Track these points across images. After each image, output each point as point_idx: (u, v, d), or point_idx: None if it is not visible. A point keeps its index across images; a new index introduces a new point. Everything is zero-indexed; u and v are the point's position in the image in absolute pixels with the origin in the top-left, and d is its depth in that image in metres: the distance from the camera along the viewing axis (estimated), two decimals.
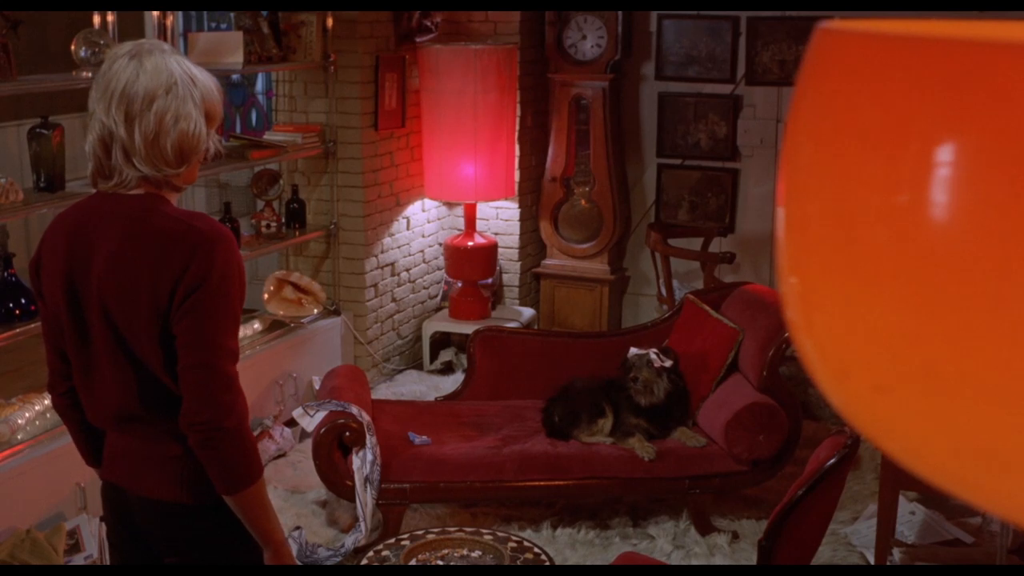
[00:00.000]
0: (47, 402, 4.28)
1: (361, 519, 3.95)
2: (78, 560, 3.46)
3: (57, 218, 2.25)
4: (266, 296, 5.52)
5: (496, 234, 6.24)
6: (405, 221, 5.95)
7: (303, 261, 5.72)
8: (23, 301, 4.02)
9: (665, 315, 4.96)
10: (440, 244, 6.24)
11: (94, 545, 3.51)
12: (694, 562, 3.98)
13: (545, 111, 6.37)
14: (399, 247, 5.91)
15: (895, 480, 3.67)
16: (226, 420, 2.05)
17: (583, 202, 6.30)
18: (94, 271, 2.09)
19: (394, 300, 5.92)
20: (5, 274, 4.01)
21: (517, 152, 6.11)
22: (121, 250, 2.07)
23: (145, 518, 2.22)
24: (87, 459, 2.44)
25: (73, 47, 4.34)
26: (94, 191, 2.16)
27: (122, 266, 2.07)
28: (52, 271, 2.16)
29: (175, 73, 2.07)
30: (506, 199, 6.11)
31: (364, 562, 3.50)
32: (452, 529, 3.67)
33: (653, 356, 4.21)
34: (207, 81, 2.14)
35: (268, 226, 5.40)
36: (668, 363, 4.22)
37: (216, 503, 2.14)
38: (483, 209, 6.20)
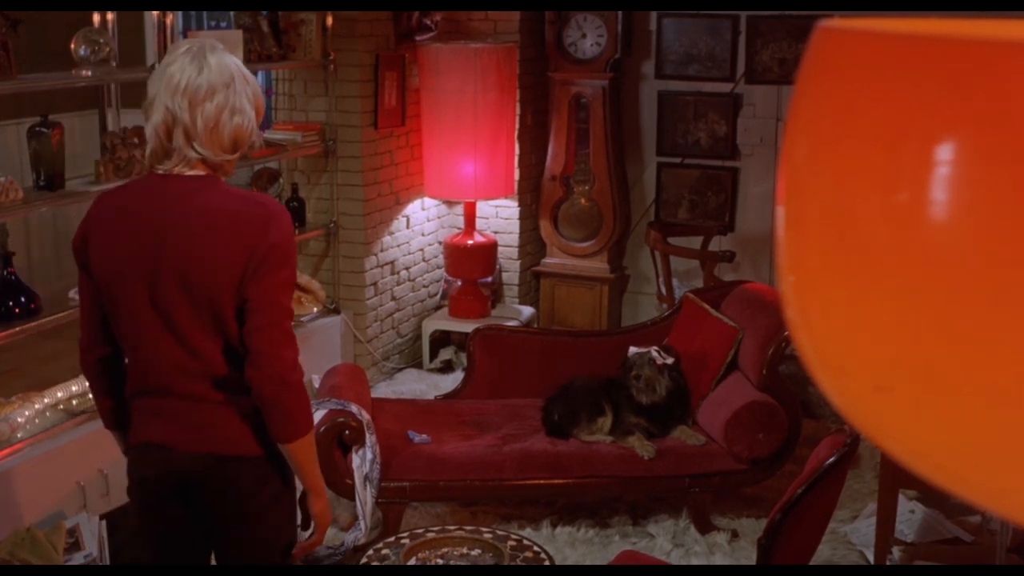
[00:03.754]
0: (47, 400, 4.28)
1: (361, 517, 3.95)
2: (78, 559, 3.46)
3: (104, 197, 2.46)
4: None
5: (496, 233, 6.24)
6: (405, 220, 5.94)
7: (303, 260, 5.72)
8: (23, 300, 4.02)
9: (665, 314, 4.96)
10: (440, 243, 6.24)
11: (94, 544, 3.51)
12: (694, 561, 3.98)
13: (545, 110, 6.37)
14: (399, 246, 5.91)
15: (895, 479, 3.67)
16: (290, 375, 2.30)
17: (583, 201, 6.30)
18: (173, 244, 2.29)
19: (394, 299, 5.92)
20: (5, 273, 4.00)
21: (517, 151, 6.11)
22: (194, 225, 2.29)
23: (198, 473, 2.39)
24: (109, 421, 2.61)
25: (73, 46, 4.34)
26: (148, 172, 2.38)
27: (198, 238, 2.28)
28: (102, 244, 2.36)
29: (234, 72, 2.31)
30: (506, 198, 6.11)
31: (364, 561, 3.50)
32: (452, 528, 3.67)
33: (654, 354, 4.21)
34: (254, 80, 2.39)
35: None
36: (670, 360, 4.22)
37: (268, 455, 2.39)
38: (483, 208, 6.20)
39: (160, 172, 2.33)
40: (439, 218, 6.27)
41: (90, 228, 2.41)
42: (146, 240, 2.31)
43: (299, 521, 2.56)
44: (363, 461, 3.96)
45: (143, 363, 2.39)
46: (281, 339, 2.30)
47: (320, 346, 5.43)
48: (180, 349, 2.33)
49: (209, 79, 2.27)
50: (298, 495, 2.53)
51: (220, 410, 2.37)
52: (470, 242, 5.92)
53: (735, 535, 4.14)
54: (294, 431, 2.34)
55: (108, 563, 3.45)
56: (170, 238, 2.29)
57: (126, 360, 2.46)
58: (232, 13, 5.47)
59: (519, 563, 3.39)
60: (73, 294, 4.33)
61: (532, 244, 6.45)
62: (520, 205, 6.28)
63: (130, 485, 2.57)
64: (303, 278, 5.41)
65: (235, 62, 2.34)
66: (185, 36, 5.23)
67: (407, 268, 6.01)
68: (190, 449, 2.38)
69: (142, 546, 2.60)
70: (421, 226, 6.11)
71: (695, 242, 5.94)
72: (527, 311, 6.21)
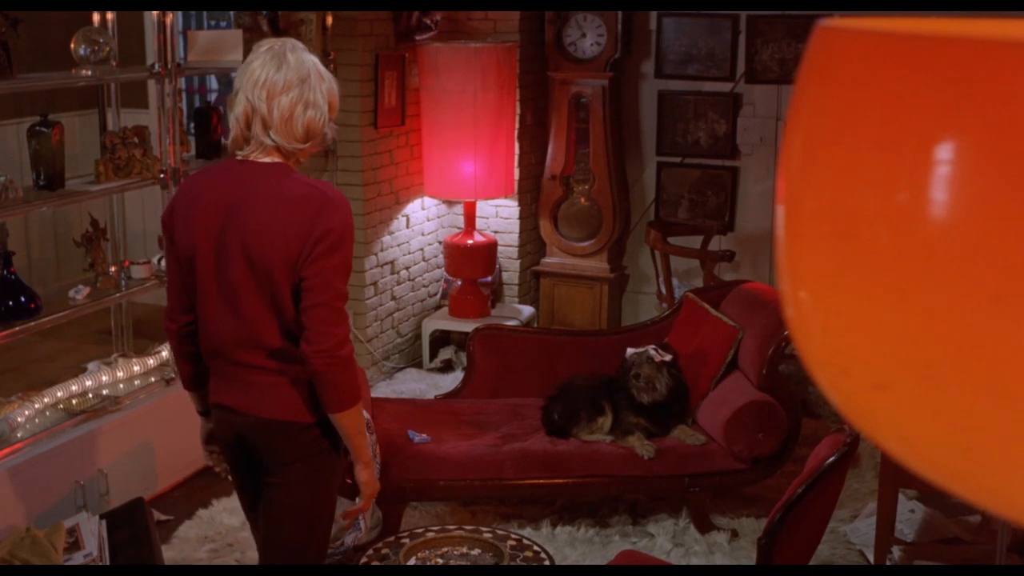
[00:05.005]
0: (47, 400, 4.28)
1: (360, 517, 3.94)
2: (78, 558, 3.46)
3: (190, 178, 2.83)
4: None
5: (496, 232, 6.24)
6: (405, 219, 5.94)
7: None
8: (23, 299, 4.02)
9: (665, 313, 4.96)
10: (440, 242, 6.24)
11: (94, 543, 3.51)
12: (694, 560, 3.98)
13: (545, 109, 6.37)
14: (399, 245, 5.91)
15: (895, 478, 3.67)
16: (341, 350, 2.49)
17: (583, 200, 6.30)
18: (240, 222, 2.50)
19: (394, 298, 5.92)
20: (5, 272, 4.00)
21: (517, 150, 6.11)
22: (260, 206, 2.49)
23: (257, 436, 2.62)
24: (187, 383, 2.83)
25: (73, 45, 4.34)
26: (229, 158, 2.62)
27: (266, 219, 2.49)
28: (183, 220, 2.58)
29: (310, 69, 2.53)
30: (506, 197, 6.11)
31: (363, 560, 3.50)
32: (452, 527, 3.67)
33: (652, 352, 4.21)
34: (331, 78, 2.61)
35: None
36: (668, 357, 4.22)
37: (319, 422, 2.59)
38: (483, 207, 6.20)
39: (239, 157, 2.56)
40: (439, 218, 6.27)
41: (175, 204, 2.63)
42: (218, 218, 2.53)
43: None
44: None
45: (209, 329, 2.61)
46: (332, 318, 2.48)
47: None
48: (238, 321, 2.54)
49: (286, 75, 2.49)
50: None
51: (273, 379, 2.58)
52: (470, 242, 5.92)
53: (735, 535, 4.14)
54: (342, 402, 2.53)
55: (108, 563, 3.45)
56: (238, 217, 2.50)
57: (199, 325, 2.68)
58: (232, 13, 5.47)
59: (519, 563, 3.39)
60: (73, 294, 4.33)
61: (532, 244, 6.45)
62: (520, 205, 6.28)
63: (204, 435, 2.87)
64: None
65: (313, 61, 2.55)
66: (185, 36, 5.23)
67: (407, 268, 6.01)
68: (247, 412, 2.61)
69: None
70: (421, 226, 6.11)
71: (695, 242, 5.94)
72: (527, 311, 6.21)
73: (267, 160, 2.54)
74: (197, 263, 2.57)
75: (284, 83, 2.49)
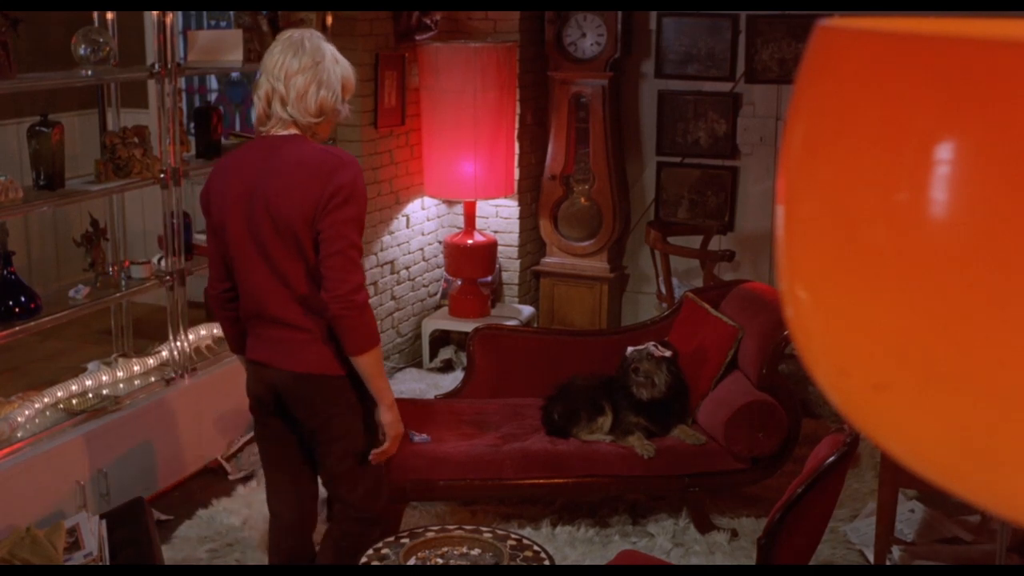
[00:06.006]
0: (47, 400, 4.28)
1: None
2: (78, 558, 3.46)
3: (223, 156, 3.27)
4: None
5: (496, 232, 6.24)
6: (404, 219, 5.94)
7: None
8: (23, 299, 4.02)
9: (665, 313, 4.96)
10: (440, 242, 6.24)
11: (94, 543, 3.50)
12: (693, 560, 3.98)
13: (545, 109, 6.37)
14: (398, 245, 5.91)
15: (894, 478, 3.67)
16: (357, 295, 2.76)
17: (583, 200, 6.30)
18: (265, 187, 2.79)
19: (393, 298, 5.92)
20: (5, 272, 4.00)
21: (517, 150, 6.11)
22: (281, 170, 2.79)
23: (291, 387, 2.90)
24: (232, 345, 3.15)
25: (72, 45, 4.33)
26: (253, 138, 2.95)
27: (286, 181, 2.78)
28: (217, 192, 2.89)
29: (326, 54, 2.85)
30: (506, 197, 6.11)
31: (364, 560, 3.50)
32: (452, 527, 3.67)
33: (652, 348, 4.22)
34: (346, 63, 2.93)
35: None
36: (668, 353, 4.22)
37: (347, 374, 2.87)
38: (483, 207, 6.20)
39: (262, 133, 2.88)
40: (439, 217, 6.27)
41: (211, 180, 2.94)
42: (247, 185, 2.83)
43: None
44: None
45: (247, 291, 2.90)
46: (347, 265, 2.76)
47: None
48: (273, 276, 2.82)
49: (302, 60, 2.81)
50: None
51: (307, 335, 2.85)
52: (470, 241, 5.92)
53: (735, 534, 4.14)
54: (360, 345, 2.81)
55: (108, 563, 3.45)
56: (263, 182, 2.80)
57: (239, 290, 2.95)
58: (232, 13, 5.47)
59: (519, 562, 3.39)
60: (73, 294, 4.33)
61: (532, 243, 6.45)
62: (520, 204, 6.28)
63: (249, 400, 3.09)
64: None
65: (330, 47, 2.88)
66: (185, 35, 5.23)
67: (407, 267, 6.01)
68: (281, 366, 2.89)
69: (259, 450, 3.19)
70: (421, 225, 6.11)
71: (695, 241, 5.94)
72: (527, 310, 6.21)
73: (286, 133, 2.85)
74: (230, 230, 2.85)
75: (299, 66, 2.80)
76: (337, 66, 2.87)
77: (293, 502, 3.16)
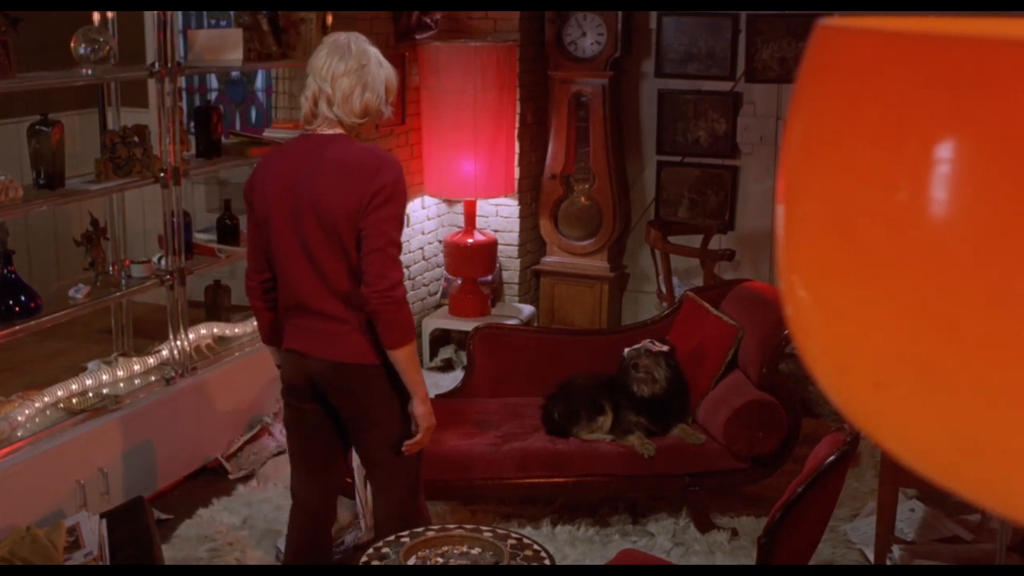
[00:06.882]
0: (47, 399, 4.28)
1: (360, 516, 3.95)
2: (78, 557, 3.46)
3: (268, 152, 3.34)
4: None
5: (496, 231, 6.24)
6: (405, 218, 5.93)
7: None
8: (23, 299, 4.02)
9: (665, 312, 4.96)
10: (440, 241, 6.24)
11: (94, 542, 3.51)
12: (694, 560, 3.98)
13: (545, 108, 6.36)
14: None
15: (895, 477, 3.67)
16: (395, 291, 2.87)
17: (583, 199, 6.30)
18: (309, 184, 2.89)
19: None
20: (5, 271, 4.00)
21: (517, 149, 6.11)
22: (326, 169, 2.89)
23: (328, 376, 3.01)
24: (264, 336, 3.24)
25: (73, 44, 4.33)
26: (301, 134, 3.04)
27: (330, 180, 2.88)
28: (262, 187, 2.99)
29: (371, 57, 2.97)
30: (506, 196, 6.11)
31: (364, 560, 3.50)
32: (452, 526, 3.67)
33: (649, 344, 4.23)
34: (389, 67, 3.04)
35: None
36: (665, 348, 4.23)
37: (382, 364, 2.97)
38: (483, 206, 6.20)
39: (308, 131, 3.00)
40: (439, 216, 6.27)
41: (255, 175, 3.04)
42: (291, 182, 2.93)
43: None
44: None
45: (287, 283, 3.00)
46: (386, 262, 2.87)
47: None
48: (313, 270, 2.92)
49: (347, 63, 2.92)
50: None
51: (344, 326, 2.95)
52: (470, 241, 5.92)
53: (735, 534, 4.14)
54: (396, 340, 2.90)
55: (108, 562, 3.45)
56: (308, 179, 2.91)
57: (278, 282, 3.05)
58: (232, 12, 5.46)
59: (519, 562, 3.39)
60: (73, 293, 4.33)
61: (532, 243, 6.45)
62: (520, 204, 6.28)
63: (282, 387, 3.20)
64: None
65: (374, 52, 2.99)
66: (185, 35, 5.23)
67: (407, 267, 6.01)
68: (319, 356, 2.99)
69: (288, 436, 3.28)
70: (421, 225, 6.11)
71: (695, 240, 5.94)
72: (527, 310, 6.21)
73: (331, 132, 2.96)
74: (273, 224, 2.96)
75: (345, 68, 2.92)
76: (381, 69, 2.98)
77: (318, 491, 3.26)
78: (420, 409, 3.04)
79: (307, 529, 3.31)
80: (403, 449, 3.08)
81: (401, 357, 2.94)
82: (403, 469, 3.15)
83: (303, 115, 3.02)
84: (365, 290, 2.87)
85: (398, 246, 2.92)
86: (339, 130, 2.97)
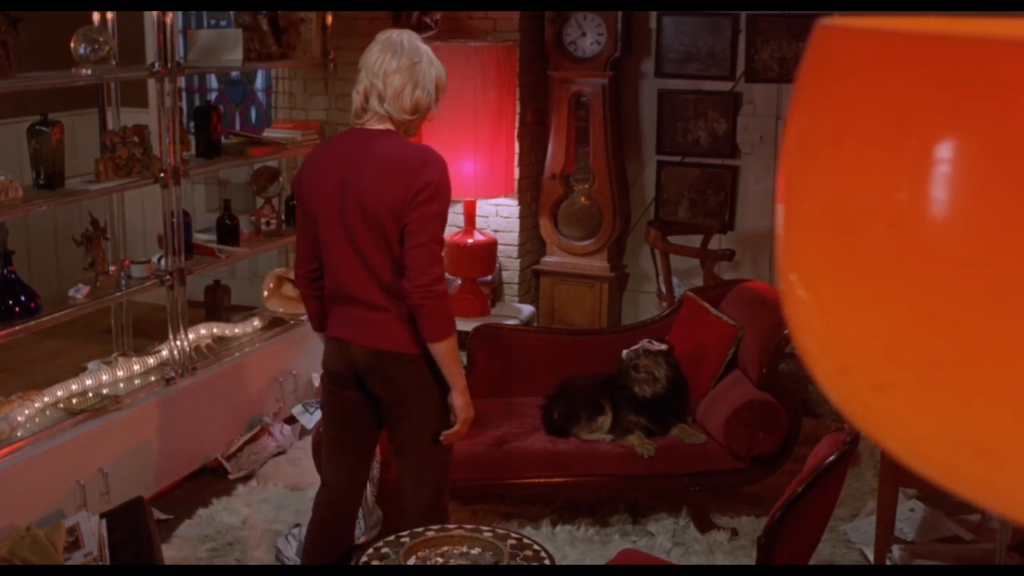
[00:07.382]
0: (47, 399, 4.28)
1: (360, 516, 3.95)
2: (78, 557, 3.46)
3: (318, 145, 3.39)
4: (265, 293, 5.52)
5: (496, 231, 6.23)
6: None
7: None
8: (23, 299, 4.02)
9: (665, 312, 4.96)
10: None
11: (94, 542, 3.51)
12: (693, 559, 3.98)
13: (545, 108, 6.36)
14: None
15: (894, 477, 3.67)
16: (437, 286, 2.92)
17: (583, 199, 6.29)
18: (357, 177, 2.95)
19: None
20: (5, 271, 4.00)
21: (517, 149, 6.11)
22: (373, 164, 2.94)
23: (370, 364, 3.07)
24: (315, 324, 3.30)
25: (73, 44, 4.33)
26: (350, 128, 3.10)
27: (374, 174, 2.93)
28: (311, 179, 3.05)
29: (423, 55, 3.02)
30: (506, 196, 6.11)
31: (364, 559, 3.50)
32: (452, 526, 3.67)
33: (647, 344, 4.23)
34: (440, 65, 3.09)
35: (268, 223, 5.40)
36: (664, 347, 4.23)
37: (423, 354, 3.02)
38: (483, 206, 6.20)
39: (358, 126, 3.05)
40: None
41: (304, 168, 3.11)
42: (339, 175, 2.98)
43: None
44: None
45: (333, 274, 3.06)
46: (429, 257, 2.91)
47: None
48: (359, 262, 2.98)
49: (399, 60, 2.98)
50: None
51: (387, 316, 3.01)
52: (470, 241, 5.92)
53: (735, 534, 4.14)
54: (437, 333, 2.97)
55: (108, 562, 3.45)
56: (355, 173, 2.96)
57: (325, 272, 3.12)
58: (232, 12, 5.46)
59: (519, 562, 3.39)
60: (73, 293, 4.33)
61: (532, 243, 6.45)
62: (520, 204, 6.27)
63: (323, 373, 3.27)
64: None
65: (426, 50, 3.05)
66: (185, 35, 5.23)
67: None
68: (362, 343, 3.06)
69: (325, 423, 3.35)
70: None
71: (695, 240, 5.94)
72: (527, 310, 6.21)
73: (380, 127, 3.01)
74: (321, 216, 3.02)
75: (397, 66, 2.97)
76: (432, 67, 3.04)
77: (347, 478, 3.33)
78: (459, 400, 3.09)
79: (331, 513, 3.35)
80: (441, 438, 3.13)
81: (442, 350, 3.00)
82: (433, 463, 3.19)
83: (353, 110, 3.07)
84: (407, 285, 2.92)
85: (440, 242, 2.97)
86: (388, 126, 3.02)
